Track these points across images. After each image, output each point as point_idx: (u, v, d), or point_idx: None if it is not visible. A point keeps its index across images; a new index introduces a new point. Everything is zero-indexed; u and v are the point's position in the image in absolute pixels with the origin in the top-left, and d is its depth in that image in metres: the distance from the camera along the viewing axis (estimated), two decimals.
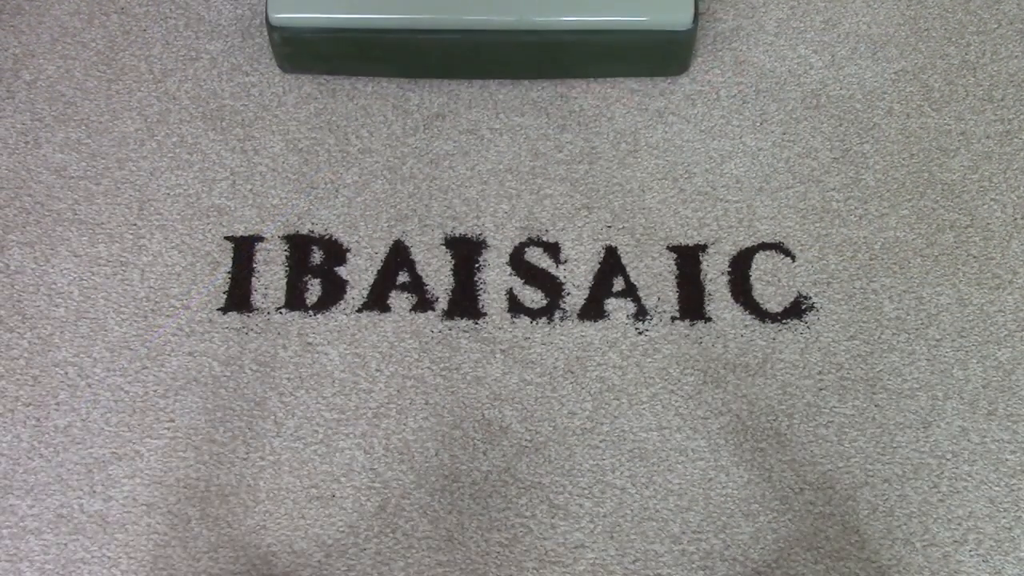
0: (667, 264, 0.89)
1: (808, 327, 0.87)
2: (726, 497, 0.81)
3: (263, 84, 0.96)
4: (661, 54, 0.93)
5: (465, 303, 0.88)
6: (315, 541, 0.80)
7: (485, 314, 0.87)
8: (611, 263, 0.89)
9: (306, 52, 0.92)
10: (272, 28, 0.90)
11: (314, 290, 0.88)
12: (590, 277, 0.89)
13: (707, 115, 0.94)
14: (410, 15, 0.88)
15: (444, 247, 0.90)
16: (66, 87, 0.95)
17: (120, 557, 0.79)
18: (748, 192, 0.91)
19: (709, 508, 0.81)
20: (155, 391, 0.85)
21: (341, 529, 0.80)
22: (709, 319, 0.87)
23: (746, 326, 0.87)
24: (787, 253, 0.90)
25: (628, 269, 0.89)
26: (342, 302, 0.88)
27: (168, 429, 0.84)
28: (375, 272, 0.89)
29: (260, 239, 0.90)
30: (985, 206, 0.91)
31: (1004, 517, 0.81)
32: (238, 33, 0.97)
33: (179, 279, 0.89)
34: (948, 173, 0.93)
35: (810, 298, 0.88)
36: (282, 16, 0.89)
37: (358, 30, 0.89)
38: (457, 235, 0.90)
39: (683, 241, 0.90)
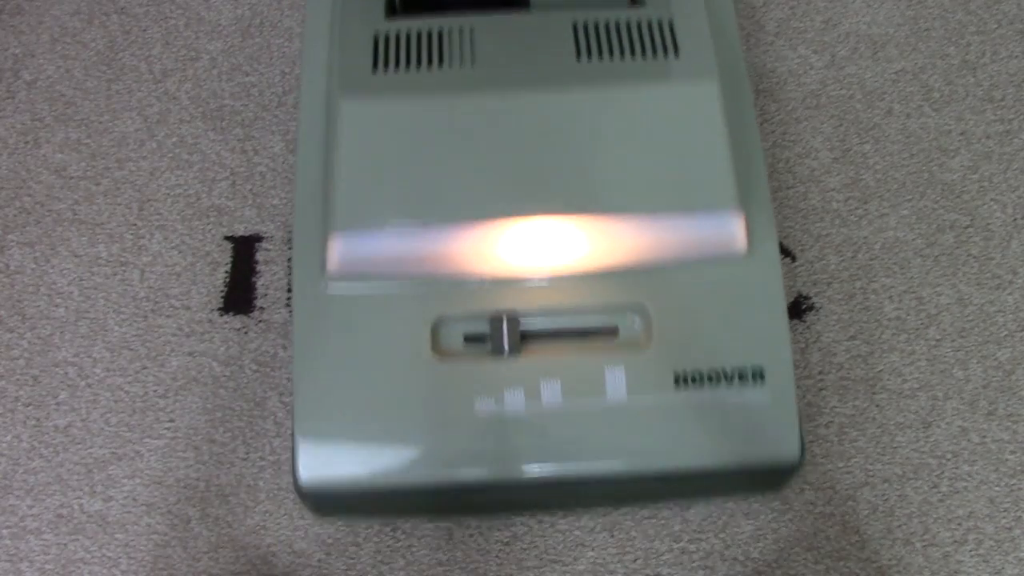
0: None
1: (808, 327, 0.87)
2: (726, 496, 0.81)
3: (263, 84, 0.96)
4: (760, 486, 0.80)
5: None
6: (315, 540, 0.80)
7: None
8: None
9: (341, 508, 0.78)
10: (303, 493, 0.73)
11: None
12: None
13: None
14: (457, 472, 0.71)
15: None
16: (66, 87, 0.95)
17: (120, 557, 0.79)
18: None
19: (709, 507, 0.81)
20: (155, 391, 0.85)
21: (341, 528, 0.80)
22: None
23: None
24: (787, 253, 0.90)
25: None
26: None
27: (168, 429, 0.84)
28: None
29: (260, 239, 0.90)
30: (985, 206, 0.92)
31: (1004, 517, 0.81)
32: (238, 33, 0.97)
33: (179, 279, 0.89)
34: (948, 173, 0.93)
35: (810, 298, 0.88)
36: (314, 478, 0.71)
37: (396, 489, 0.72)
38: None
39: None
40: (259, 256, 0.90)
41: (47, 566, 0.79)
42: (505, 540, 0.80)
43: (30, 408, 0.84)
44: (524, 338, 0.72)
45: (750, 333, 0.72)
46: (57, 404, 0.84)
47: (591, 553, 0.79)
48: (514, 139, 0.71)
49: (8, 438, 0.83)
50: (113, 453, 0.82)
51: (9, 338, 0.86)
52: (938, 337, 0.87)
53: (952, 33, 0.98)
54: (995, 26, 0.98)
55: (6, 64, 0.96)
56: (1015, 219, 0.91)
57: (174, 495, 0.81)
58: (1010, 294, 0.88)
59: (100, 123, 0.94)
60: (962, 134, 0.94)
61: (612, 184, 0.71)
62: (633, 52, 0.73)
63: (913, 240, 0.90)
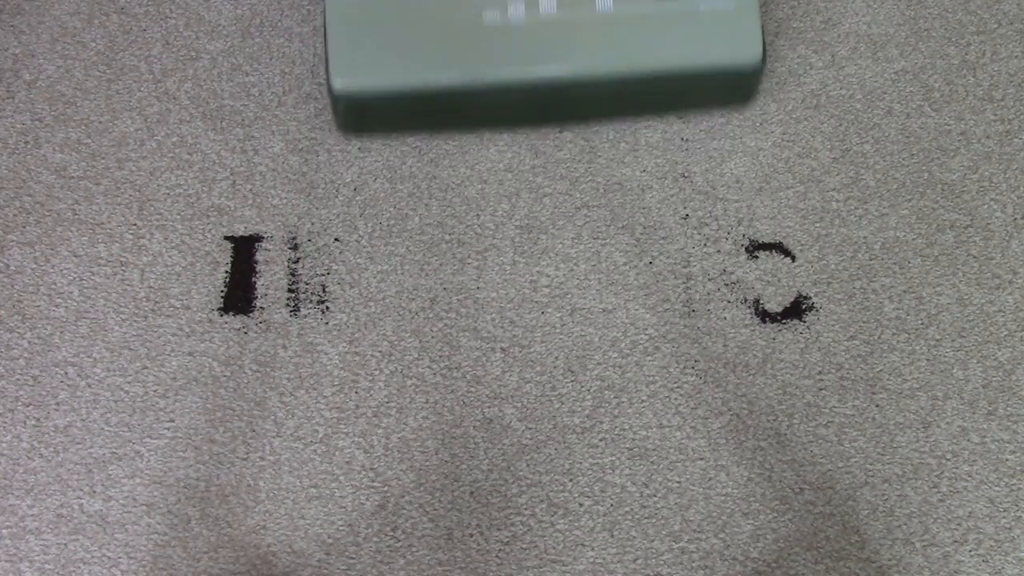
0: (666, 263, 0.89)
1: (808, 327, 0.87)
2: (726, 496, 0.81)
3: (263, 84, 0.96)
4: (728, 92, 0.90)
5: (467, 300, 0.88)
6: (315, 540, 0.80)
7: (486, 312, 0.87)
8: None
9: (372, 117, 0.89)
10: (336, 97, 0.85)
11: (314, 289, 0.88)
12: (590, 276, 0.89)
13: (707, 115, 0.94)
14: (477, 73, 0.83)
15: (445, 246, 0.90)
16: (66, 87, 0.95)
17: (120, 557, 0.79)
18: (748, 192, 0.91)
19: (709, 507, 0.81)
20: (155, 391, 0.85)
21: (341, 528, 0.80)
22: (709, 318, 0.87)
23: (746, 326, 0.87)
24: (787, 253, 0.90)
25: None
26: (342, 301, 0.88)
27: (168, 429, 0.84)
28: (375, 271, 0.89)
29: (260, 239, 0.90)
30: (985, 206, 0.91)
31: (1004, 517, 0.81)
32: (238, 33, 0.97)
33: (179, 279, 0.89)
34: (948, 173, 0.93)
35: (810, 298, 0.88)
36: (346, 82, 0.84)
37: (426, 92, 0.84)
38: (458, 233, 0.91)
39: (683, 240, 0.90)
40: (259, 256, 0.90)
41: (47, 566, 0.79)
42: (505, 540, 0.80)
43: (30, 408, 0.84)
44: None
45: None
46: (57, 404, 0.84)
47: (591, 553, 0.79)
48: None
49: (8, 438, 0.83)
50: (113, 453, 0.82)
51: (9, 338, 0.86)
52: (938, 337, 0.87)
53: (952, 33, 0.98)
54: (995, 26, 0.98)
55: (6, 64, 0.96)
56: (1015, 219, 0.91)
57: (174, 495, 0.81)
58: (1010, 294, 0.88)
59: (100, 123, 0.94)
60: (962, 134, 0.94)
61: None
62: None
63: (913, 240, 0.90)
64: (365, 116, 0.88)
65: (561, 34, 0.82)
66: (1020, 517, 0.81)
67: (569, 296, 0.88)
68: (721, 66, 0.84)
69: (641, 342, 0.86)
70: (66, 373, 0.85)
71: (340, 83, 0.83)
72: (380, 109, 0.86)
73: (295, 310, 0.88)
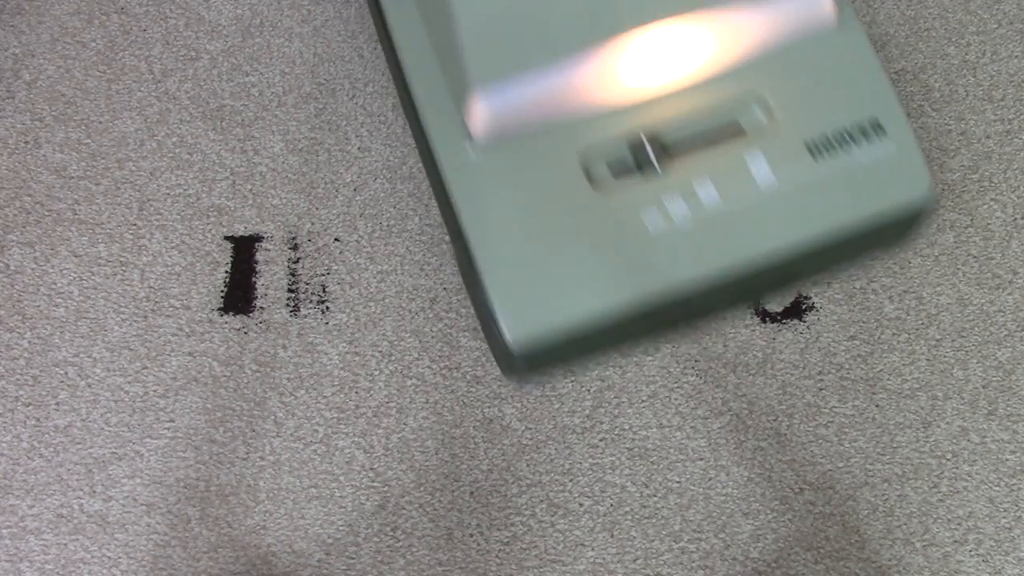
0: None
1: (808, 327, 0.87)
2: (726, 496, 0.81)
3: (263, 84, 0.96)
4: (901, 233, 0.83)
5: (467, 300, 0.88)
6: (315, 540, 0.80)
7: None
8: None
9: (552, 358, 0.78)
10: (514, 355, 0.74)
11: (314, 289, 0.88)
12: None
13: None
14: (655, 284, 0.74)
15: (445, 246, 0.90)
16: (66, 87, 0.95)
17: (120, 557, 0.79)
18: None
19: (709, 507, 0.81)
20: (155, 391, 0.85)
21: (341, 528, 0.80)
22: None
23: (746, 326, 0.87)
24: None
25: None
26: (342, 301, 0.88)
27: (168, 429, 0.84)
28: (375, 271, 0.89)
29: (260, 239, 0.90)
30: (985, 206, 0.91)
31: (1004, 517, 0.81)
32: (238, 33, 0.97)
33: (179, 279, 0.89)
34: (948, 173, 0.93)
35: (810, 298, 0.88)
36: (521, 338, 0.73)
37: (598, 320, 0.74)
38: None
39: None
40: (259, 256, 0.90)
41: (47, 566, 0.79)
42: (505, 540, 0.80)
43: (30, 408, 0.84)
44: (665, 151, 0.76)
45: (859, 92, 0.78)
46: (57, 404, 0.84)
47: (591, 553, 0.79)
48: None
49: (8, 438, 0.83)
50: (113, 453, 0.82)
51: (9, 338, 0.86)
52: (938, 337, 0.87)
53: (952, 33, 0.98)
54: (995, 26, 0.98)
55: (6, 64, 0.96)
56: (1015, 219, 0.91)
57: (174, 495, 0.81)
58: (1010, 294, 0.88)
59: (100, 123, 0.94)
60: (962, 134, 0.94)
61: None
62: None
63: (913, 239, 0.90)
64: (542, 362, 0.78)
65: (729, 221, 0.75)
66: (1020, 517, 0.81)
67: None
68: (893, 210, 0.77)
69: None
70: (66, 373, 0.85)
71: (515, 339, 0.73)
72: (558, 351, 0.76)
73: (295, 310, 0.88)
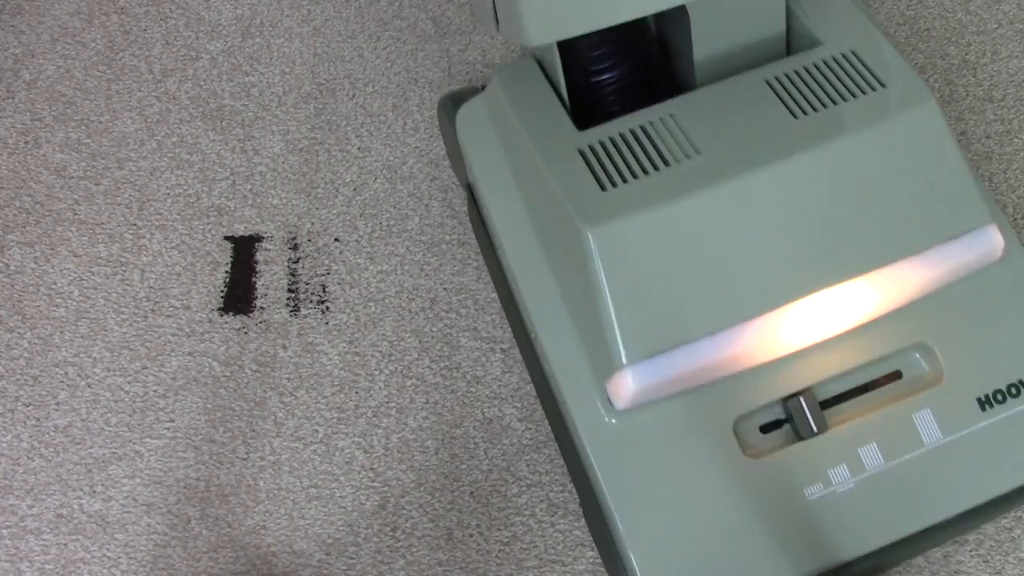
0: None
1: None
2: None
3: (263, 84, 0.96)
4: None
5: (467, 300, 0.88)
6: (315, 541, 0.80)
7: (486, 312, 0.87)
8: None
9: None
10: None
11: (314, 289, 0.88)
12: None
13: None
14: (815, 559, 0.68)
15: (445, 246, 0.90)
16: (66, 87, 0.95)
17: (120, 557, 0.79)
18: None
19: None
20: (155, 391, 0.85)
21: (341, 528, 0.80)
22: None
23: None
24: None
25: None
26: (342, 301, 0.88)
27: (168, 429, 0.84)
28: (375, 271, 0.89)
29: (260, 239, 0.90)
30: None
31: (1004, 517, 0.81)
32: (238, 33, 0.97)
33: (179, 279, 0.89)
34: None
35: None
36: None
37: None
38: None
39: None
40: (259, 256, 0.90)
41: (47, 566, 0.79)
42: (505, 540, 0.80)
43: (30, 408, 0.84)
44: (823, 408, 0.70)
45: None
46: (57, 404, 0.84)
47: (591, 553, 0.79)
48: (767, 218, 0.66)
49: (8, 438, 0.83)
50: (113, 453, 0.82)
51: (9, 338, 0.86)
52: None
53: (952, 33, 0.98)
54: (995, 26, 0.98)
55: (6, 64, 0.96)
56: (1015, 219, 0.91)
57: (174, 495, 0.81)
58: None
59: (100, 123, 0.94)
60: (962, 134, 0.94)
61: (873, 236, 0.67)
62: (841, 95, 0.69)
63: None
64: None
65: (894, 486, 0.69)
66: (1020, 517, 0.81)
67: None
68: None
69: None
70: (66, 373, 0.85)
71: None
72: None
73: (295, 310, 0.88)
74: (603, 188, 0.66)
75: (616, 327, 0.65)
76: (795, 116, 0.68)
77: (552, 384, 0.72)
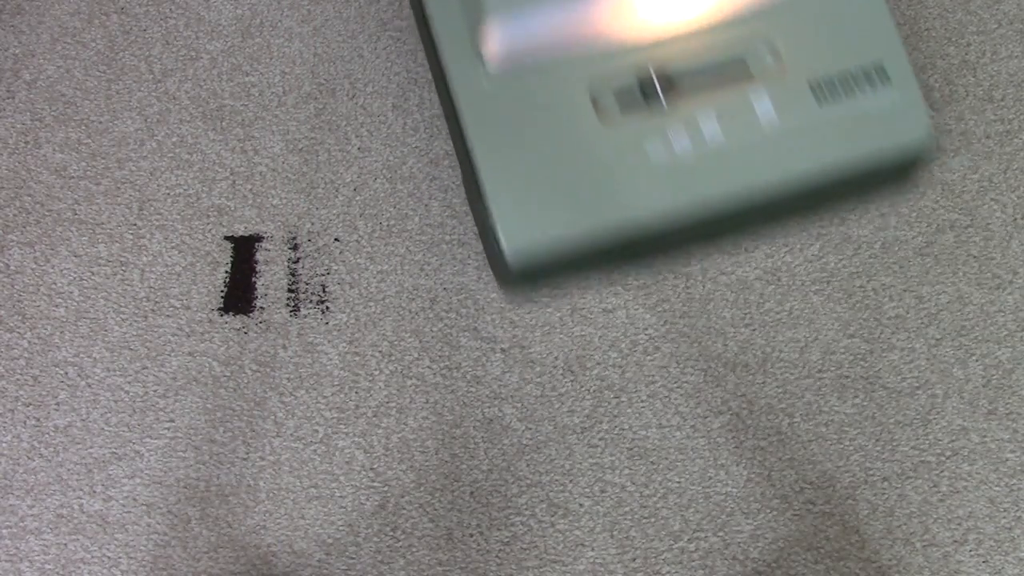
0: (666, 263, 0.89)
1: (808, 325, 0.87)
2: (726, 495, 0.81)
3: (263, 84, 0.96)
4: (898, 177, 0.86)
5: (467, 300, 0.88)
6: (315, 540, 0.80)
7: (486, 312, 0.87)
8: None
9: (543, 274, 0.82)
10: (510, 266, 0.78)
11: (314, 289, 0.88)
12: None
13: None
14: (650, 210, 0.77)
15: (445, 246, 0.90)
16: (66, 87, 0.95)
17: (120, 557, 0.79)
18: None
19: (709, 506, 0.81)
20: (155, 391, 0.85)
21: (341, 528, 0.80)
22: (709, 318, 0.87)
23: (746, 325, 0.87)
24: (785, 252, 0.90)
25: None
26: (342, 301, 0.88)
27: (168, 429, 0.84)
28: (375, 271, 0.89)
29: (260, 239, 0.90)
30: (985, 206, 0.91)
31: (1004, 517, 0.81)
32: (238, 33, 0.97)
33: (179, 279, 0.89)
34: (948, 173, 0.93)
35: (809, 297, 0.88)
36: (517, 250, 0.77)
37: (600, 239, 0.78)
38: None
39: None
40: (259, 256, 0.90)
41: (47, 566, 0.79)
42: (505, 540, 0.80)
43: (30, 408, 0.84)
44: (672, 87, 0.79)
45: (864, 39, 0.80)
46: (57, 404, 0.84)
47: (591, 553, 0.79)
48: None
49: (8, 438, 0.83)
50: (113, 453, 0.82)
51: (9, 338, 0.86)
52: (938, 336, 0.87)
53: (952, 33, 0.98)
54: (995, 26, 0.98)
55: (6, 64, 0.96)
56: (1015, 219, 0.91)
57: (174, 495, 0.81)
58: (1010, 294, 0.88)
59: (100, 123, 0.94)
60: (962, 134, 0.94)
61: None
62: None
63: (913, 239, 0.90)
64: (536, 274, 0.81)
65: (730, 158, 0.78)
66: (1020, 517, 0.81)
67: (569, 296, 0.88)
68: (891, 155, 0.80)
69: (641, 342, 0.86)
70: (66, 373, 0.85)
71: (511, 250, 0.77)
72: (552, 264, 0.79)
73: (295, 310, 0.88)
74: None
75: None
76: None
77: (439, 58, 0.81)
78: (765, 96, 0.79)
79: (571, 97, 0.79)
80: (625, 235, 0.77)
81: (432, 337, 0.86)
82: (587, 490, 0.82)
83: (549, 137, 0.78)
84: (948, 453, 0.83)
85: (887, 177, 0.83)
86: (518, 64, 0.78)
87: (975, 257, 0.89)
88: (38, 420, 0.84)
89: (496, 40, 0.76)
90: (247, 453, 0.83)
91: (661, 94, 0.78)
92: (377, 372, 0.85)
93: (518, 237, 0.76)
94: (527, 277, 0.80)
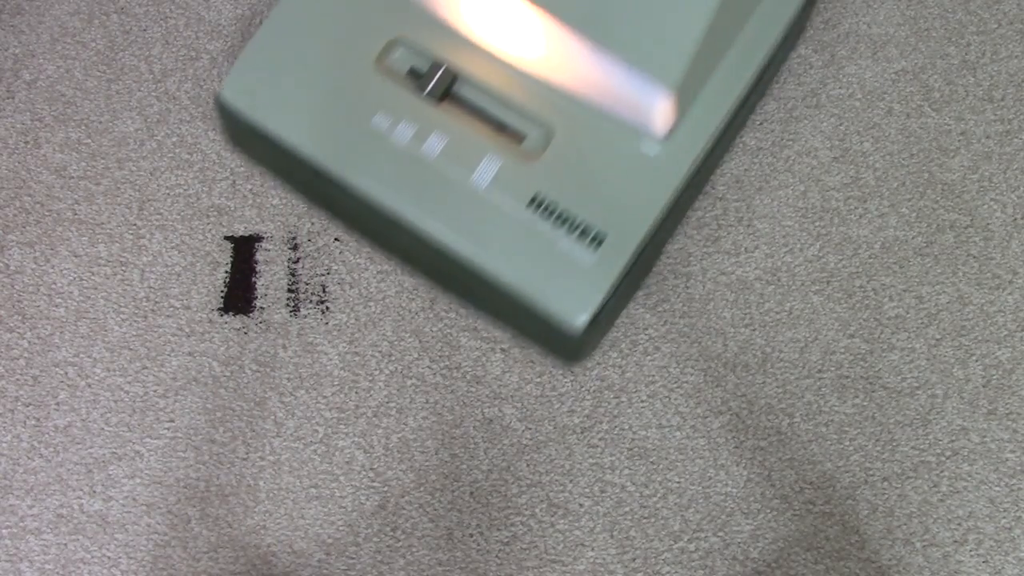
0: (666, 263, 0.89)
1: (808, 325, 0.87)
2: (726, 495, 0.81)
3: None
4: (548, 341, 0.81)
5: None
6: (315, 540, 0.80)
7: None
8: None
9: (244, 143, 0.86)
10: (221, 107, 0.83)
11: (314, 289, 0.88)
12: None
13: None
14: (337, 163, 0.79)
15: None
16: (66, 87, 0.95)
17: (120, 557, 0.79)
18: (748, 191, 0.91)
19: (709, 506, 0.81)
20: (155, 391, 0.85)
21: (341, 528, 0.80)
22: (709, 318, 0.87)
23: (746, 325, 0.87)
24: (785, 252, 0.90)
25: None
26: (342, 301, 0.88)
27: (168, 429, 0.84)
28: (375, 271, 0.89)
29: (260, 239, 0.90)
30: (985, 206, 0.91)
31: (1004, 517, 0.81)
32: (238, 33, 0.97)
33: (179, 279, 0.89)
34: (948, 173, 0.93)
35: (809, 297, 0.88)
36: (229, 99, 0.82)
37: (277, 142, 0.81)
38: None
39: (682, 240, 0.90)
40: (259, 256, 0.90)
41: (47, 566, 0.79)
42: (505, 540, 0.80)
43: (30, 408, 0.84)
44: (449, 95, 0.80)
45: (618, 204, 0.76)
46: (57, 404, 0.84)
47: (591, 553, 0.79)
48: None
49: (8, 438, 0.83)
50: (113, 453, 0.82)
51: (9, 338, 0.86)
52: (938, 336, 0.87)
53: (952, 33, 0.98)
54: (995, 26, 0.98)
55: (6, 64, 0.96)
56: (1015, 219, 0.91)
57: (174, 495, 0.81)
58: (1010, 294, 0.88)
59: (100, 123, 0.94)
60: (962, 134, 0.94)
61: (589, 1, 0.72)
62: None
63: (913, 239, 0.90)
64: (238, 138, 0.85)
65: (422, 176, 0.77)
66: (1020, 517, 0.81)
67: None
68: (542, 309, 0.75)
69: (641, 342, 0.86)
70: (66, 373, 0.85)
71: (228, 94, 0.82)
72: (250, 141, 0.83)
73: (295, 310, 0.88)
74: None
75: None
76: None
77: None
78: (497, 162, 0.77)
79: (374, 27, 0.81)
80: (309, 171, 0.79)
81: (432, 337, 0.86)
82: (587, 490, 0.82)
83: (332, 40, 0.81)
84: (948, 453, 0.83)
85: (533, 326, 0.78)
86: None
87: (975, 257, 0.90)
88: (38, 420, 0.84)
89: None
90: (247, 453, 0.83)
91: (436, 91, 0.79)
92: (377, 372, 0.85)
93: (242, 92, 0.81)
94: (233, 132, 0.84)
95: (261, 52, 0.83)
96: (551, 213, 0.76)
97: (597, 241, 0.75)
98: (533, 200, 0.76)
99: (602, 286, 0.75)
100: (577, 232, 0.75)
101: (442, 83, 0.79)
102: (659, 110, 0.72)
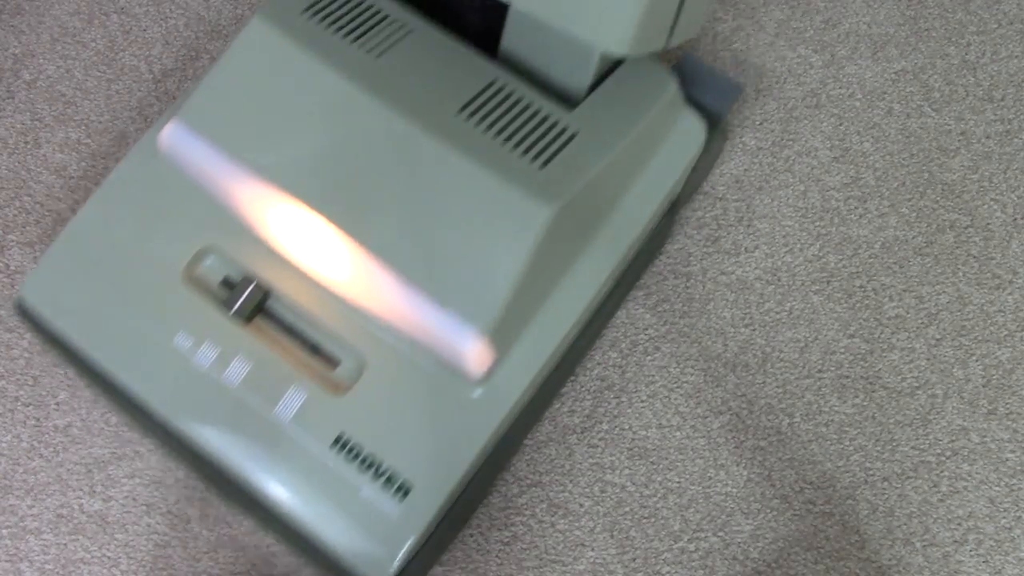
0: (666, 263, 0.89)
1: (808, 325, 0.87)
2: (726, 495, 0.81)
3: None
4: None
5: None
6: None
7: None
8: None
9: (43, 337, 0.78)
10: (22, 310, 0.77)
11: None
12: None
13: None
14: (120, 374, 0.73)
15: None
16: (66, 87, 0.95)
17: (120, 557, 0.79)
18: (748, 191, 0.91)
19: (709, 506, 0.81)
20: None
21: None
22: (709, 318, 0.87)
23: (746, 325, 0.87)
24: (785, 252, 0.90)
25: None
26: None
27: None
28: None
29: None
30: (985, 206, 0.91)
31: (1004, 517, 0.81)
32: (238, 33, 0.97)
33: None
34: (948, 173, 0.93)
35: (809, 297, 0.88)
36: (29, 302, 0.76)
37: (79, 355, 0.74)
38: None
39: (683, 241, 0.90)
40: None
41: (47, 566, 0.79)
42: (505, 540, 0.80)
43: (30, 408, 0.84)
44: (261, 311, 0.73)
45: (428, 451, 0.69)
46: (57, 404, 0.84)
47: (591, 553, 0.79)
48: (360, 145, 0.69)
49: (8, 438, 0.83)
50: (113, 453, 0.82)
51: (9, 338, 0.86)
52: (938, 336, 0.87)
53: (952, 33, 0.98)
54: (995, 26, 0.98)
55: (6, 64, 0.96)
56: (1015, 219, 0.91)
57: (174, 495, 0.81)
58: (1010, 294, 0.88)
59: (100, 123, 0.94)
60: (962, 134, 0.94)
61: (404, 236, 0.68)
62: (513, 140, 0.69)
63: (913, 239, 0.90)
64: (45, 342, 0.77)
65: (222, 406, 0.71)
66: (1020, 517, 0.81)
67: None
68: (343, 561, 0.68)
69: (641, 342, 0.86)
70: (66, 373, 0.85)
71: (28, 295, 0.76)
72: (55, 347, 0.76)
73: None
74: (306, 12, 0.73)
75: (202, 90, 0.73)
76: (461, 112, 0.70)
77: None
78: (303, 394, 0.70)
79: (187, 232, 0.74)
80: (101, 376, 0.73)
81: None
82: (587, 490, 0.82)
83: (142, 244, 0.74)
84: (948, 453, 0.83)
85: (326, 568, 0.70)
86: (183, 172, 0.74)
87: (975, 257, 0.90)
88: (38, 420, 0.84)
89: (168, 140, 0.74)
90: None
91: (244, 309, 0.72)
92: None
93: (44, 296, 0.75)
94: (30, 321, 0.76)
95: (67, 251, 0.76)
96: (355, 456, 0.69)
97: (403, 491, 0.68)
98: (337, 440, 0.69)
99: (404, 541, 0.68)
100: (383, 479, 0.68)
101: (251, 301, 0.72)
102: (472, 352, 0.67)
